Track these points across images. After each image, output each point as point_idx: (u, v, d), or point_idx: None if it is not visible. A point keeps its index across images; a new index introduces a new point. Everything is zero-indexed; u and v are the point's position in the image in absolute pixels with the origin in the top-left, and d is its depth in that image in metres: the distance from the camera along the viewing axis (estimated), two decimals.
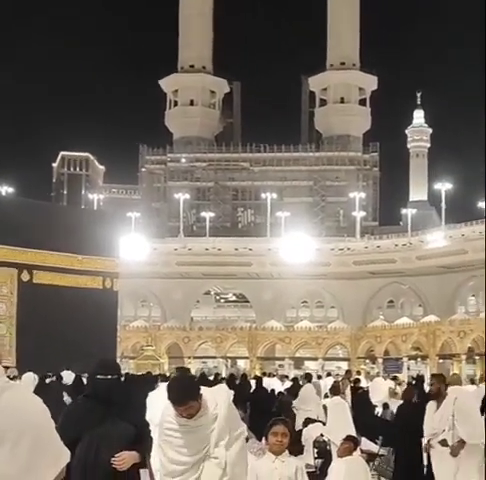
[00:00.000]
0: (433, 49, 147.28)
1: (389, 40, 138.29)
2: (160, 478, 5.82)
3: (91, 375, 6.21)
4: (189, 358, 55.57)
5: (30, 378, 21.86)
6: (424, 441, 11.27)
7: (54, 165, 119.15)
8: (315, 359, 56.16)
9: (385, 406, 22.51)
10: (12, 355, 33.84)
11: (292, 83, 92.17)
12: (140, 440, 5.93)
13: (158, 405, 5.91)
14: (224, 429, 5.65)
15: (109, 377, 5.95)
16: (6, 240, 34.01)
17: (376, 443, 16.15)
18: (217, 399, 5.71)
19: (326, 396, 21.05)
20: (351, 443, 10.66)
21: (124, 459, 5.74)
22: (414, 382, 25.61)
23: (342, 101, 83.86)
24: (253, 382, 25.06)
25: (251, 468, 6.45)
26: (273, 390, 23.28)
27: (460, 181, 67.98)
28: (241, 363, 59.63)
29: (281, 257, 62.24)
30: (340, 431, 12.32)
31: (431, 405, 10.91)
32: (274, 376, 34.54)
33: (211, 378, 28.39)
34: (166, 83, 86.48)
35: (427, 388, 15.97)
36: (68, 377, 22.89)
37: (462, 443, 10.40)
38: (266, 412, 16.94)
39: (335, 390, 16.01)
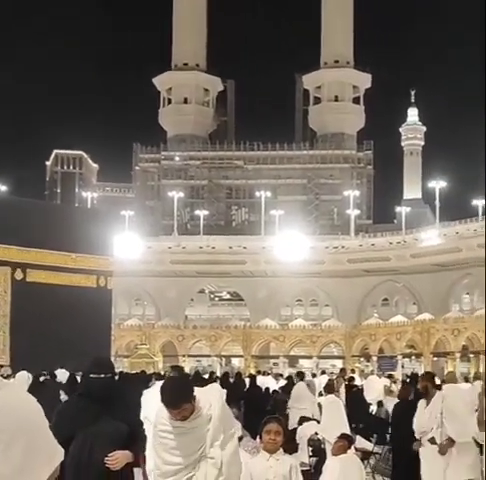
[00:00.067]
0: (427, 47, 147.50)
1: (383, 38, 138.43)
2: (154, 478, 5.79)
3: (85, 374, 6.20)
4: (183, 356, 55.53)
5: (24, 377, 21.78)
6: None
7: (47, 163, 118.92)
8: (310, 357, 56.16)
9: (379, 404, 22.53)
10: (6, 354, 33.80)
11: (286, 81, 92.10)
12: (134, 439, 5.91)
13: (153, 403, 5.88)
14: (218, 429, 5.62)
15: (103, 376, 5.93)
16: None
17: (370, 441, 16.16)
18: (210, 399, 5.68)
19: (321, 394, 21.05)
20: (345, 441, 10.66)
21: (117, 459, 5.72)
22: (409, 380, 25.59)
23: (336, 99, 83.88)
24: (247, 380, 25.04)
25: (246, 466, 6.43)
26: (267, 388, 23.27)
27: (454, 179, 68.09)
28: (235, 361, 59.62)
29: (275, 255, 62.22)
30: (335, 429, 12.31)
31: (422, 403, 10.95)
32: (268, 374, 34.55)
33: (206, 376, 28.38)
34: (160, 81, 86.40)
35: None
36: (62, 376, 22.85)
37: (451, 441, 10.43)
38: (260, 410, 16.93)
39: (330, 388, 16.02)
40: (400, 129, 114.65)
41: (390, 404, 19.80)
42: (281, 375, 33.65)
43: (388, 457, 15.26)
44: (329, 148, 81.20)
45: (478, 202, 59.76)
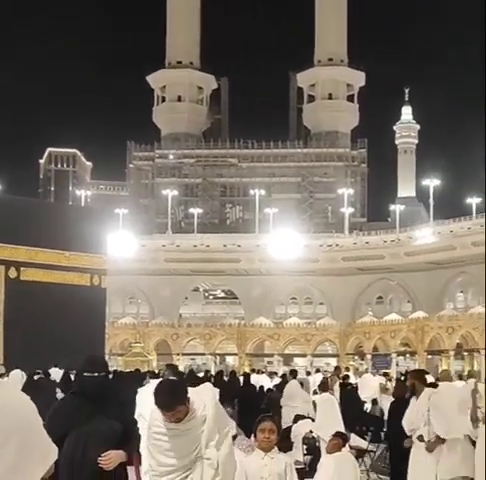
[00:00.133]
0: (422, 45, 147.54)
1: (377, 36, 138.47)
2: (150, 478, 5.76)
3: (79, 372, 6.17)
4: (178, 355, 55.51)
5: (18, 375, 21.76)
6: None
7: (41, 161, 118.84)
8: (304, 356, 56.17)
9: (374, 402, 22.54)
10: None
11: (280, 79, 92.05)
12: (127, 438, 5.89)
13: (148, 401, 5.86)
14: (213, 429, 5.62)
15: (96, 374, 5.90)
16: None
17: (365, 439, 16.16)
18: (204, 400, 5.67)
19: (315, 392, 21.04)
20: (340, 439, 10.66)
21: (110, 458, 5.70)
22: (403, 378, 25.60)
23: (330, 97, 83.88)
24: (241, 379, 25.02)
25: (240, 465, 6.42)
26: (262, 387, 23.24)
27: (448, 177, 68.20)
28: (230, 360, 59.60)
29: (270, 253, 62.21)
30: (329, 427, 12.31)
31: (413, 400, 10.98)
32: (263, 373, 34.53)
33: (201, 375, 28.37)
34: (153, 79, 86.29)
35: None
36: (56, 374, 22.83)
37: (438, 439, 10.44)
38: (255, 409, 16.90)
39: (324, 386, 16.00)
40: (394, 127, 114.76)
41: (385, 402, 19.82)
42: (275, 373, 33.61)
43: (385, 456, 15.24)
44: (323, 146, 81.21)
45: (472, 200, 59.82)
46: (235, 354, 57.60)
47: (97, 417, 5.79)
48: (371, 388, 24.66)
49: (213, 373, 33.44)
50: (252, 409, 16.82)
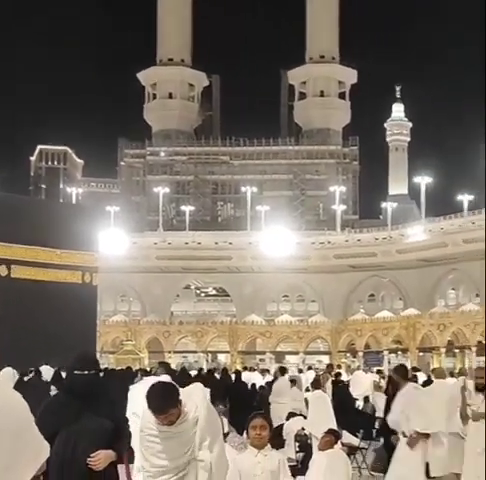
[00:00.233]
0: (413, 43, 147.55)
1: (368, 34, 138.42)
2: (144, 478, 5.74)
3: (69, 370, 6.13)
4: (169, 353, 55.46)
5: (9, 374, 21.64)
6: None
7: (32, 159, 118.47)
8: (296, 353, 56.21)
9: (366, 399, 22.55)
10: None
11: (271, 76, 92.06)
12: (118, 436, 5.85)
13: (141, 398, 5.83)
14: (205, 429, 5.63)
15: (86, 372, 5.86)
16: None
17: (357, 436, 16.14)
18: (196, 401, 5.67)
19: (307, 390, 21.04)
20: (332, 436, 10.66)
21: (100, 459, 5.67)
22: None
23: (322, 94, 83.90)
24: (233, 376, 25.02)
25: (234, 462, 6.42)
26: (254, 384, 23.23)
27: (440, 175, 68.23)
28: (222, 357, 59.62)
29: (261, 251, 62.22)
30: (321, 424, 12.31)
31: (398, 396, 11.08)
32: (255, 370, 34.52)
33: (194, 372, 28.35)
34: (144, 76, 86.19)
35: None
36: (47, 372, 22.73)
37: (419, 434, 10.48)
38: (246, 406, 16.88)
39: (316, 384, 16.01)
40: (385, 125, 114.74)
41: (379, 399, 19.83)
42: (268, 371, 33.62)
43: (383, 455, 15.22)
44: (315, 144, 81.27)
45: (463, 197, 59.89)
46: (227, 352, 57.61)
47: (87, 415, 5.76)
48: (363, 385, 24.68)
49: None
50: (244, 406, 16.81)
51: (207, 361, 56.10)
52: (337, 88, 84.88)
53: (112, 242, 57.12)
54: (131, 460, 7.24)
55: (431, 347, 51.79)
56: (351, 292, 64.92)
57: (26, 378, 20.77)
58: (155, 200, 73.42)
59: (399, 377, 11.33)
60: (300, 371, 33.50)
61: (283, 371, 22.17)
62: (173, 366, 37.70)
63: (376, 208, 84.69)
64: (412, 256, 58.84)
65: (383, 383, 23.89)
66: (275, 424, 15.38)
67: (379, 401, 19.64)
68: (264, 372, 32.39)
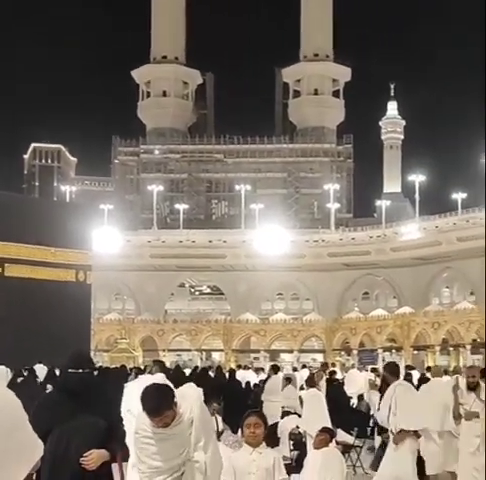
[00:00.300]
0: (407, 41, 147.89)
1: (362, 32, 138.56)
2: (140, 478, 5.72)
3: (63, 368, 6.10)
4: (163, 351, 55.45)
5: (2, 372, 21.60)
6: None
7: (25, 157, 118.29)
8: (290, 351, 56.25)
9: (360, 398, 22.53)
10: None
11: (266, 74, 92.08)
12: (112, 435, 5.82)
13: (135, 396, 5.81)
14: (199, 430, 5.63)
15: (80, 371, 5.83)
16: None
17: (351, 434, 16.13)
18: (190, 402, 5.66)
19: (302, 388, 21.00)
20: (327, 435, 10.65)
21: (93, 459, 5.64)
22: None
23: (316, 93, 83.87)
24: (227, 375, 24.97)
25: (228, 460, 6.41)
26: (248, 382, 23.21)
27: (434, 173, 68.39)
28: (216, 356, 59.59)
29: (255, 249, 62.20)
30: (316, 423, 12.28)
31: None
32: (249, 369, 34.50)
33: (188, 370, 28.31)
34: (139, 74, 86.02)
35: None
36: (40, 371, 22.68)
37: (405, 431, 10.50)
38: (240, 404, 16.85)
39: (311, 382, 15.97)
40: (380, 123, 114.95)
41: (374, 397, 19.81)
42: (262, 369, 33.62)
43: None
44: (309, 142, 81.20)
45: (457, 196, 59.95)
46: (221, 350, 57.61)
47: (81, 414, 5.73)
48: (357, 384, 24.67)
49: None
50: (238, 405, 16.78)
51: (201, 359, 56.10)
52: (331, 86, 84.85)
53: (106, 240, 57.06)
54: (125, 458, 7.20)
55: (425, 345, 51.88)
56: (345, 290, 64.97)
57: (20, 377, 20.71)
58: (149, 198, 73.33)
59: (388, 374, 11.36)
60: (295, 369, 33.44)
61: (276, 369, 22.16)
62: (167, 364, 37.69)
63: (370, 206, 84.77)
64: (406, 254, 58.89)
65: (379, 381, 23.88)
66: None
67: (375, 399, 19.63)
68: (258, 370, 32.39)
